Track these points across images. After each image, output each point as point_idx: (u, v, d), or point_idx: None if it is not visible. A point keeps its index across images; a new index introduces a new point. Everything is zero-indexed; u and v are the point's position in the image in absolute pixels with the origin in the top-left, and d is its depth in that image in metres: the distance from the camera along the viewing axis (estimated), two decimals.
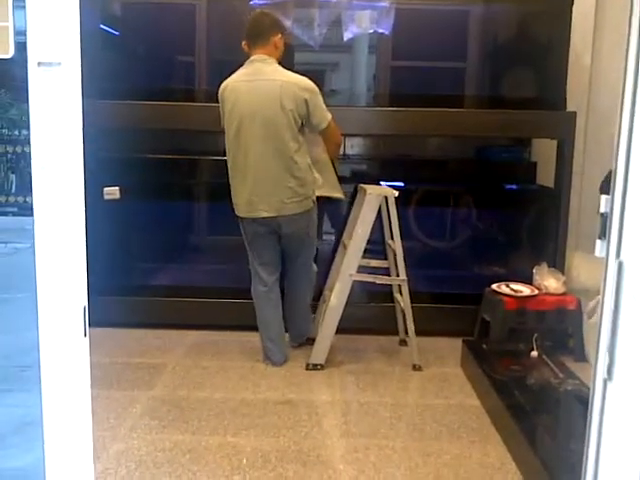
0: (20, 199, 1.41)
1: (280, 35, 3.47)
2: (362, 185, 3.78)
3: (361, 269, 3.62)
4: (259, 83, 3.37)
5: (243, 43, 3.47)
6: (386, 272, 3.77)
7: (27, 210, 1.45)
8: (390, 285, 3.83)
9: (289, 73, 3.41)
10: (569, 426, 2.81)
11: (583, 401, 2.22)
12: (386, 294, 3.90)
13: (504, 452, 2.76)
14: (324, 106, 3.43)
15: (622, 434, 1.23)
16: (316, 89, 3.40)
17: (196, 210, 4.76)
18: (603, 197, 1.22)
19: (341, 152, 4.11)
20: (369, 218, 3.53)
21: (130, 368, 3.54)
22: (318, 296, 3.99)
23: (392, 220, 3.58)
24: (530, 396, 3.04)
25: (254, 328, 3.80)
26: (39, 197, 1.42)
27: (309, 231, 3.61)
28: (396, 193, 3.55)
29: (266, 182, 3.41)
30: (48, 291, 1.46)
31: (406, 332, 3.75)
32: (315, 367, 3.60)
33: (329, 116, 3.45)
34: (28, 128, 1.42)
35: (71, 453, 1.57)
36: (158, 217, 4.47)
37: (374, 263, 3.77)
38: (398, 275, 3.65)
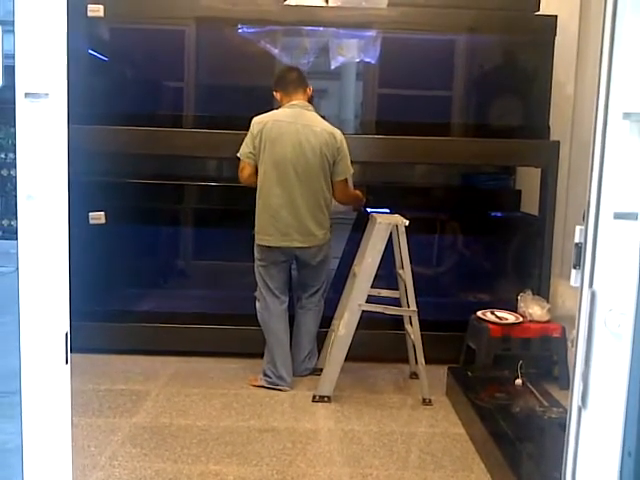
0: (5, 222, 1.41)
1: (310, 88, 3.74)
2: (373, 214, 3.78)
3: (371, 298, 3.55)
4: (301, 127, 3.60)
5: (275, 92, 3.72)
6: (397, 302, 3.71)
7: (12, 234, 1.45)
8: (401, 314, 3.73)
9: (325, 122, 3.67)
10: (553, 454, 2.80)
11: None
12: (398, 321, 3.81)
13: None
14: (349, 160, 3.67)
15: (596, 461, 1.23)
16: (345, 141, 3.67)
17: (181, 235, 4.76)
18: (577, 227, 1.24)
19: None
20: (379, 247, 3.49)
21: (112, 395, 3.51)
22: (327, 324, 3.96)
23: (402, 249, 3.53)
24: (514, 424, 3.03)
25: (238, 355, 3.77)
26: (24, 225, 1.42)
27: (328, 259, 3.84)
28: (407, 222, 3.51)
29: (302, 217, 3.62)
30: (30, 318, 1.46)
31: (416, 362, 3.62)
32: (322, 399, 3.53)
33: (351, 171, 3.71)
34: (14, 152, 1.42)
35: None
36: (143, 242, 4.46)
37: (384, 293, 3.70)
38: (409, 306, 3.58)
